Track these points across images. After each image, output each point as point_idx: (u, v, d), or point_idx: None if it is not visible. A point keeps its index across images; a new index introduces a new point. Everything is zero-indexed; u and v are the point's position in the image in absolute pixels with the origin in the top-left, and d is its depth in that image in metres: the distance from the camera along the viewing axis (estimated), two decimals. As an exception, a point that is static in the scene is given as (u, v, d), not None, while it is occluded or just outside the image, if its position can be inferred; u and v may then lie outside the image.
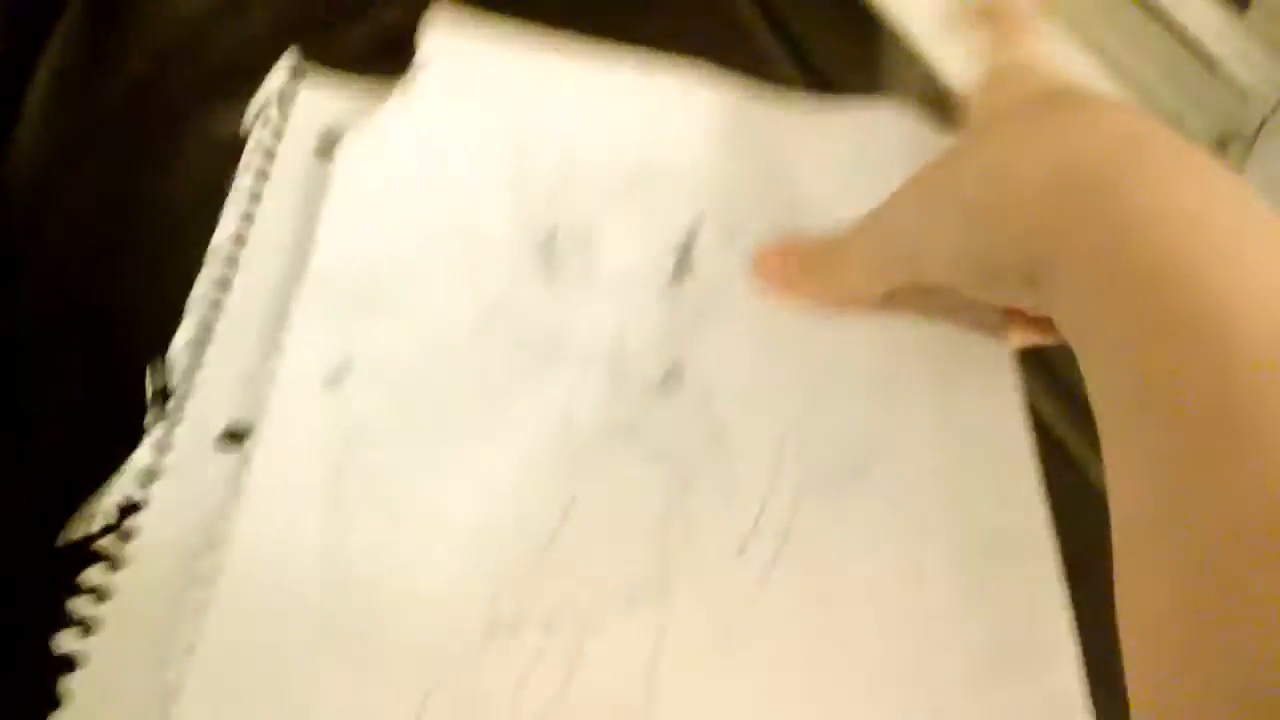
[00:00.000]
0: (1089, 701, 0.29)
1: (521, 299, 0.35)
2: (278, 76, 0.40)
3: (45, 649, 0.29)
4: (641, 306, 0.35)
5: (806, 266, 0.35)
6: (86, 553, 0.31)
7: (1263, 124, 0.38)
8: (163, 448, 0.32)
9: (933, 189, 0.30)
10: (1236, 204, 0.24)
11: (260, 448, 0.31)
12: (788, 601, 0.30)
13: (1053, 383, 0.37)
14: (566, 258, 0.36)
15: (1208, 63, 0.39)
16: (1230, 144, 0.40)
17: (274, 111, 0.39)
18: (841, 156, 0.39)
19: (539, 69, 0.40)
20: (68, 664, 0.29)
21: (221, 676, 0.28)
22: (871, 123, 0.40)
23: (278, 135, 0.39)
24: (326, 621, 0.29)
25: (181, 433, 0.32)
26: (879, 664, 0.30)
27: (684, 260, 0.36)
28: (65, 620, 0.29)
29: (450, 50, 0.39)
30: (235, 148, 0.39)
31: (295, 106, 0.39)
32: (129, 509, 0.31)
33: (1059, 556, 0.31)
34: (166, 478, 0.31)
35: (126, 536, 0.31)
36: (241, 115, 0.40)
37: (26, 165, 0.45)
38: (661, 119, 0.39)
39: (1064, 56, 0.42)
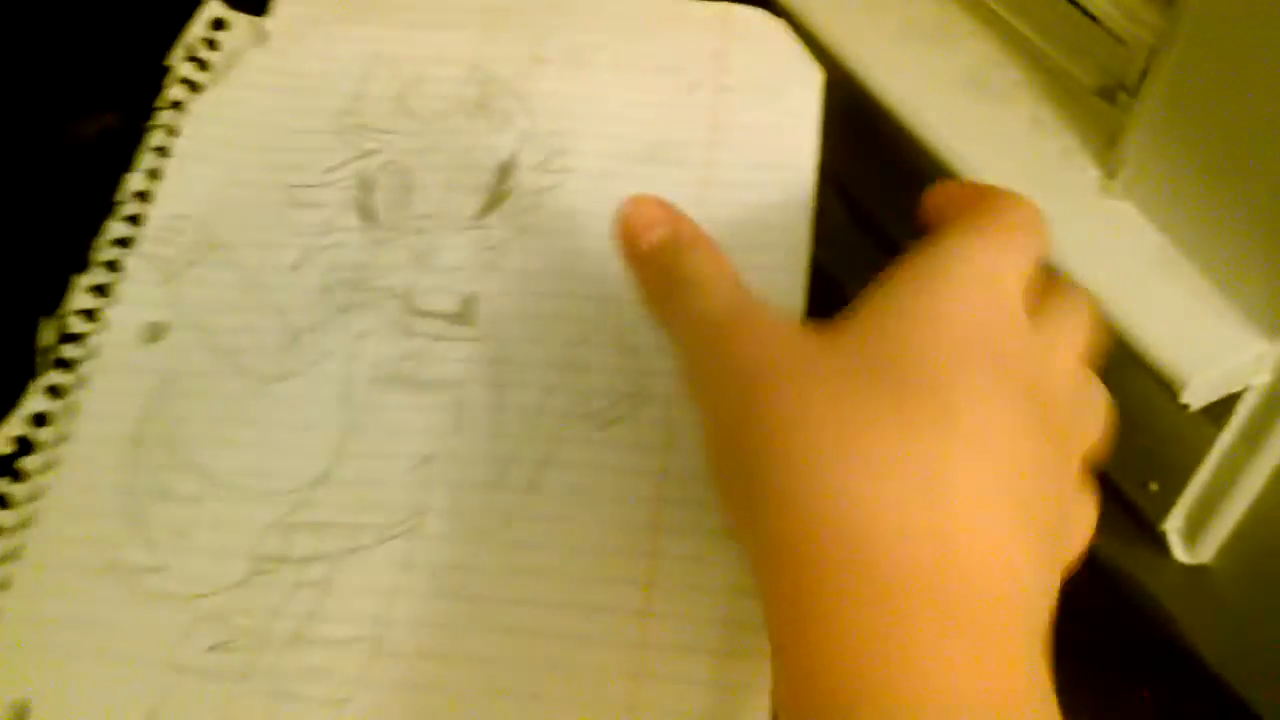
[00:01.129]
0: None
1: (336, 243, 0.38)
2: (200, 22, 0.43)
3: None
4: (445, 244, 0.38)
5: (667, 275, 0.32)
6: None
7: (1144, 73, 0.38)
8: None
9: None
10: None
11: (84, 399, 0.36)
12: (533, 533, 0.33)
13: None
14: (385, 198, 0.39)
15: (1088, 13, 0.39)
16: (1118, 94, 0.40)
17: (196, 50, 0.43)
18: (690, 60, 0.41)
19: (378, 7, 0.43)
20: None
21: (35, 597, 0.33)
22: (722, 24, 0.42)
23: (204, 69, 0.42)
24: (118, 563, 0.33)
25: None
26: (621, 603, 0.32)
27: (497, 191, 0.39)
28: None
29: None
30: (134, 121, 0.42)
31: (221, 49, 0.43)
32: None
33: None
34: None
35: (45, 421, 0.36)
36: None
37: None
38: (491, 44, 0.42)
39: (944, 16, 0.42)
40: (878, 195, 0.47)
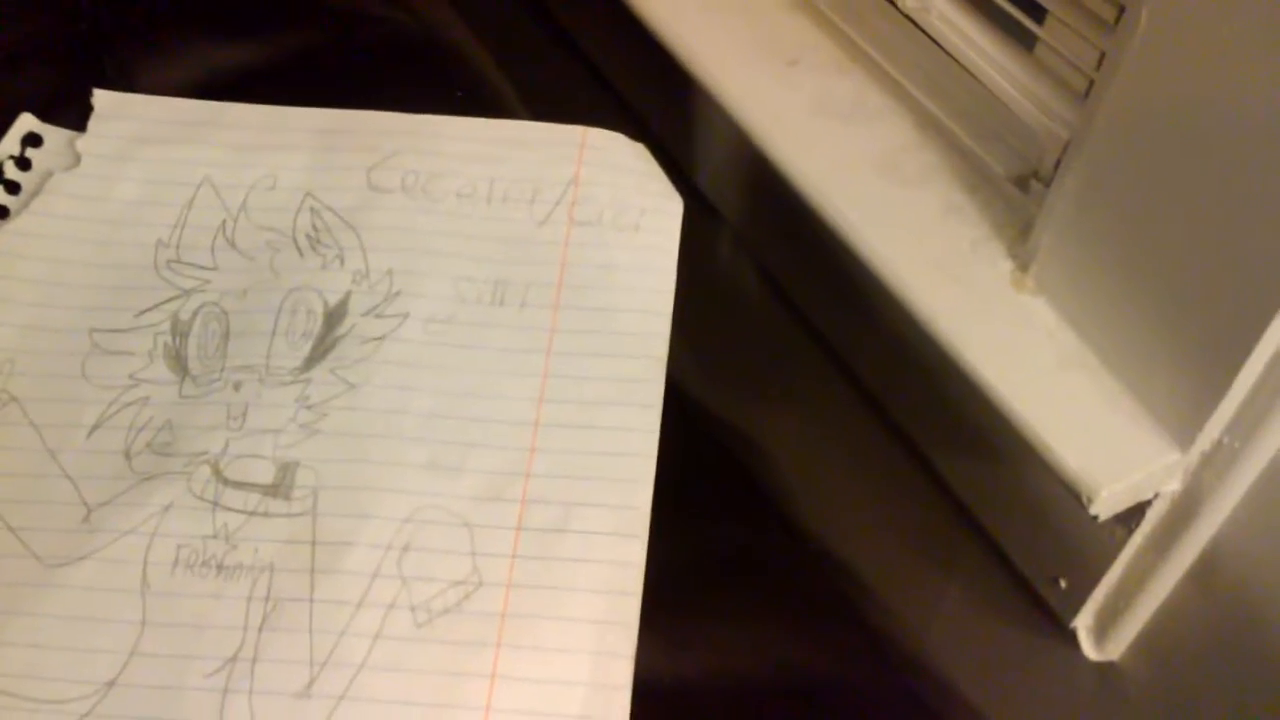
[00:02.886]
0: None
1: (143, 398, 0.34)
2: (11, 138, 0.39)
3: None
4: (263, 401, 0.34)
5: None
6: None
7: (1058, 164, 0.37)
8: None
9: None
10: None
11: None
12: None
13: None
14: (199, 346, 0.35)
15: (1001, 103, 0.38)
16: (1029, 184, 0.39)
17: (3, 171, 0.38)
18: (542, 189, 0.38)
19: (207, 128, 0.39)
20: None
21: None
22: (578, 149, 0.39)
23: (10, 192, 0.38)
24: None
25: None
26: None
27: (325, 340, 0.35)
28: None
29: (119, 113, 0.39)
30: None
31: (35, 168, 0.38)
32: None
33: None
34: None
35: None
36: None
37: None
38: (326, 169, 0.39)
39: (864, 96, 0.41)
40: (797, 275, 0.46)
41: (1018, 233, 0.38)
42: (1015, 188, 0.39)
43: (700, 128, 0.44)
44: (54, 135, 0.39)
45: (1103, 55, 0.34)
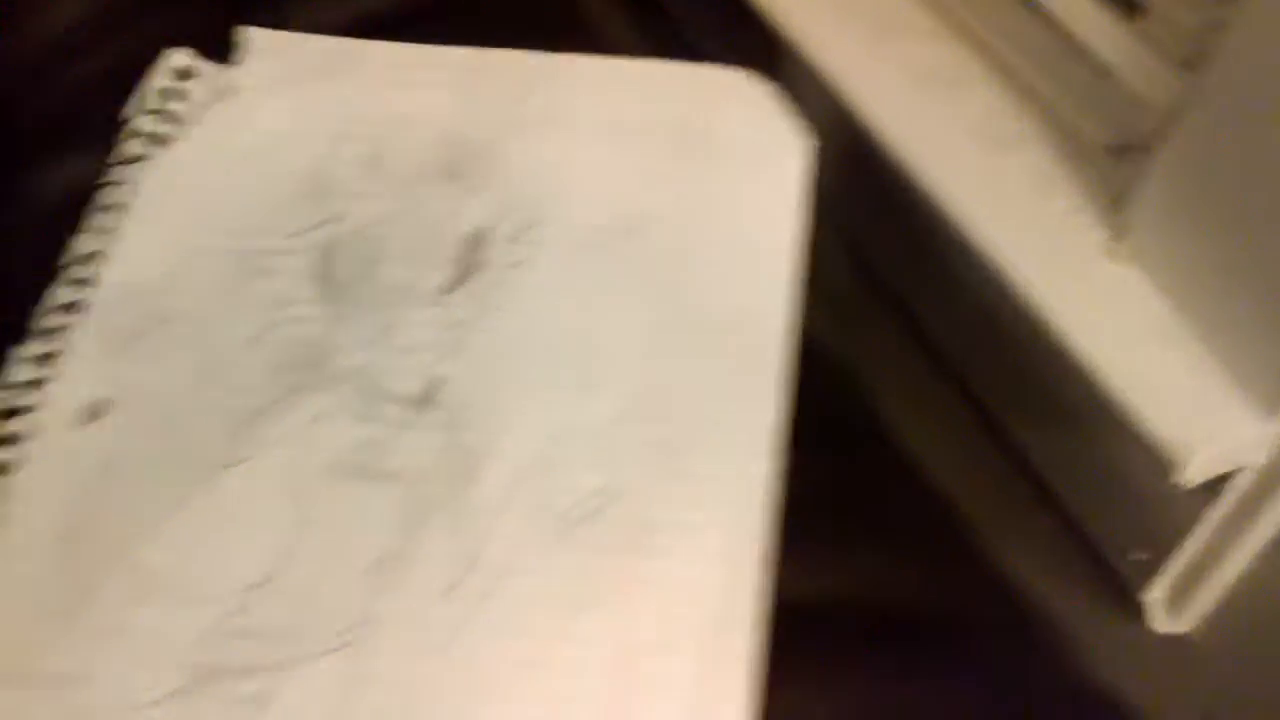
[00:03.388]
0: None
1: (294, 317, 0.36)
2: (164, 71, 0.41)
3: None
4: (409, 319, 0.36)
5: None
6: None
7: (1159, 134, 0.37)
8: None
9: None
10: None
11: (15, 483, 0.33)
12: (487, 649, 0.31)
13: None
14: (347, 269, 0.37)
15: (1101, 70, 0.38)
16: (1127, 153, 0.39)
17: (159, 102, 0.40)
18: (672, 125, 0.40)
19: (354, 64, 0.41)
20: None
21: None
22: (709, 88, 0.40)
23: (166, 122, 0.40)
24: (40, 672, 0.30)
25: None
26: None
27: (467, 264, 0.37)
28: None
29: (268, 49, 0.41)
30: (74, 201, 0.39)
31: (186, 98, 0.41)
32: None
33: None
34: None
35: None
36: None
37: None
38: (466, 106, 0.40)
39: (955, 63, 0.41)
40: (883, 244, 0.46)
41: (1111, 201, 0.38)
42: (1111, 157, 0.39)
43: (793, 94, 0.44)
44: (208, 70, 0.41)
45: (1212, 23, 0.33)
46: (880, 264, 0.46)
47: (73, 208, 0.38)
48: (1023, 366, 0.40)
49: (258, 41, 0.41)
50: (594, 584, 0.32)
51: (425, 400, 0.34)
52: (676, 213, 0.38)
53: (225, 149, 0.39)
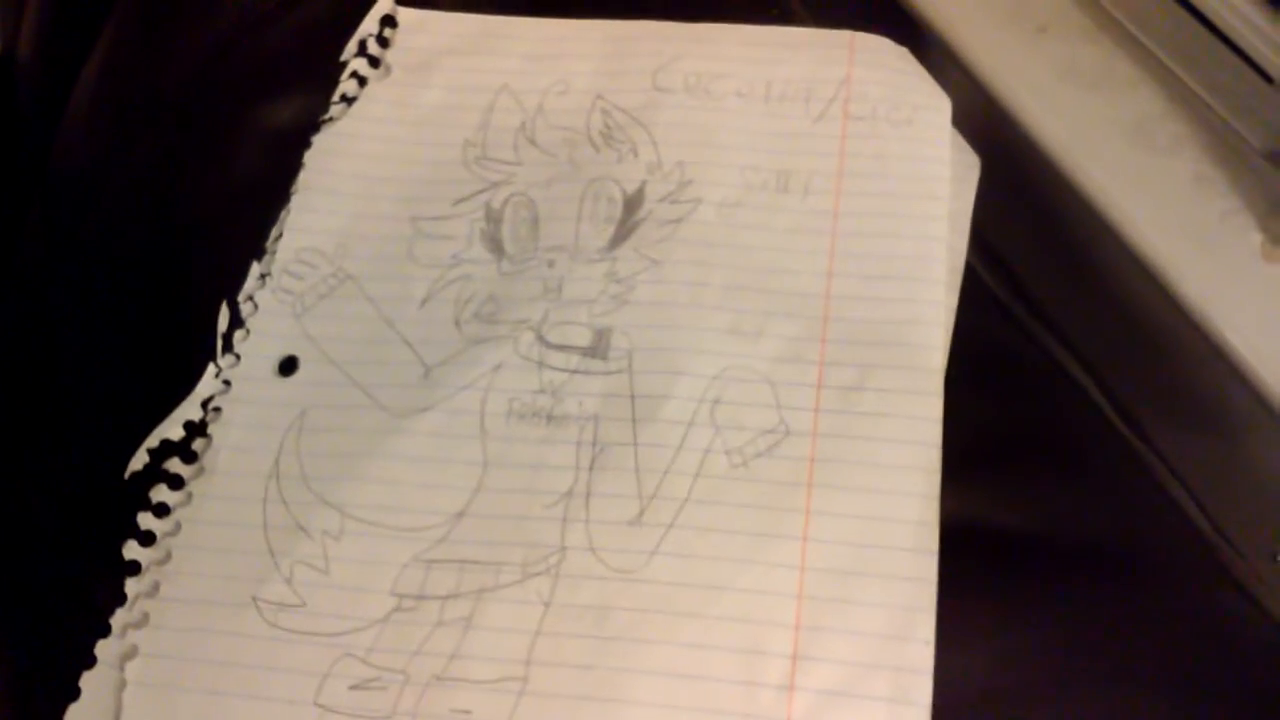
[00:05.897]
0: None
1: (465, 275, 0.38)
2: (373, 19, 0.44)
3: (118, 558, 0.35)
4: (575, 276, 0.38)
5: None
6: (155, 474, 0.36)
7: (1319, 139, 0.37)
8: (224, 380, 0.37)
9: None
10: None
11: (220, 433, 0.36)
12: (673, 572, 0.33)
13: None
14: (512, 231, 0.39)
15: (1262, 73, 0.38)
16: (1286, 158, 0.39)
17: (371, 46, 0.43)
18: (816, 88, 0.41)
19: (502, 40, 0.43)
20: (133, 568, 0.35)
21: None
22: (848, 51, 0.41)
23: (374, 65, 0.43)
24: (257, 600, 0.33)
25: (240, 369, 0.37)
26: (767, 646, 0.32)
27: (626, 223, 0.39)
28: (134, 532, 0.35)
29: (420, 28, 0.43)
30: (288, 140, 0.41)
31: (391, 47, 0.43)
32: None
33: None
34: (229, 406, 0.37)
35: (191, 458, 0.36)
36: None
37: (79, 146, 0.46)
38: (614, 74, 0.42)
39: (1113, 63, 0.41)
40: (1020, 246, 0.46)
41: (1269, 208, 0.38)
42: (1268, 162, 0.39)
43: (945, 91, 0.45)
44: (408, 15, 0.44)
45: (1384, 28, 0.33)
46: (1016, 263, 0.47)
47: (295, 144, 0.42)
48: (1173, 371, 0.40)
49: (411, 21, 0.44)
50: (775, 515, 0.33)
51: (596, 348, 0.36)
52: (827, 169, 0.39)
53: (385, 123, 0.41)
